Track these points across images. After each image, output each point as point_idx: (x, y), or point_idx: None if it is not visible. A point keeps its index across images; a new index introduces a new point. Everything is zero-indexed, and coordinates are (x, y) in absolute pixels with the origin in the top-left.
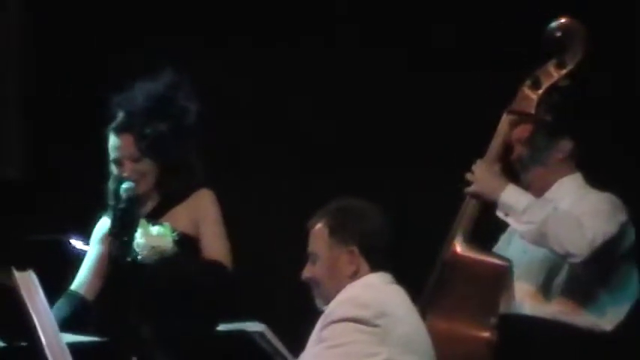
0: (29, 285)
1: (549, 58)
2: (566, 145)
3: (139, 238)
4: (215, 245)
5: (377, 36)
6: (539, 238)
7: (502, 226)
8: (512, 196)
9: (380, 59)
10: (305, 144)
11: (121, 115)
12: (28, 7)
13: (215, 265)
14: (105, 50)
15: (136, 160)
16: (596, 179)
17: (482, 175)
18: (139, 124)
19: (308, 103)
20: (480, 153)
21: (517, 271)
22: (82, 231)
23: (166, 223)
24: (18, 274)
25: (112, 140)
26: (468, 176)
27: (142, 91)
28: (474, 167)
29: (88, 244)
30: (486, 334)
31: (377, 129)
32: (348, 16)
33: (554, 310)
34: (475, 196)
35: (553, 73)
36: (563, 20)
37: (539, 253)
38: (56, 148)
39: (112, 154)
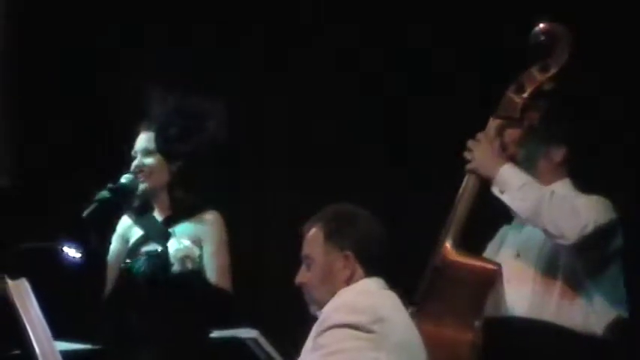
0: (22, 293)
1: (533, 63)
2: (558, 152)
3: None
4: (215, 268)
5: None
6: (533, 217)
7: (491, 233)
8: (509, 173)
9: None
10: (297, 147)
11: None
12: (11, 9)
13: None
14: (93, 52)
15: (147, 154)
16: (585, 186)
17: (481, 152)
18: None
19: (304, 102)
20: None
21: (509, 276)
22: (75, 238)
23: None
24: (11, 283)
25: (140, 136)
26: (466, 154)
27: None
28: (470, 144)
29: (80, 251)
30: (470, 337)
31: (370, 131)
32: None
33: (546, 312)
34: (472, 172)
35: (537, 77)
36: (546, 24)
37: (532, 258)
38: (46, 154)
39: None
